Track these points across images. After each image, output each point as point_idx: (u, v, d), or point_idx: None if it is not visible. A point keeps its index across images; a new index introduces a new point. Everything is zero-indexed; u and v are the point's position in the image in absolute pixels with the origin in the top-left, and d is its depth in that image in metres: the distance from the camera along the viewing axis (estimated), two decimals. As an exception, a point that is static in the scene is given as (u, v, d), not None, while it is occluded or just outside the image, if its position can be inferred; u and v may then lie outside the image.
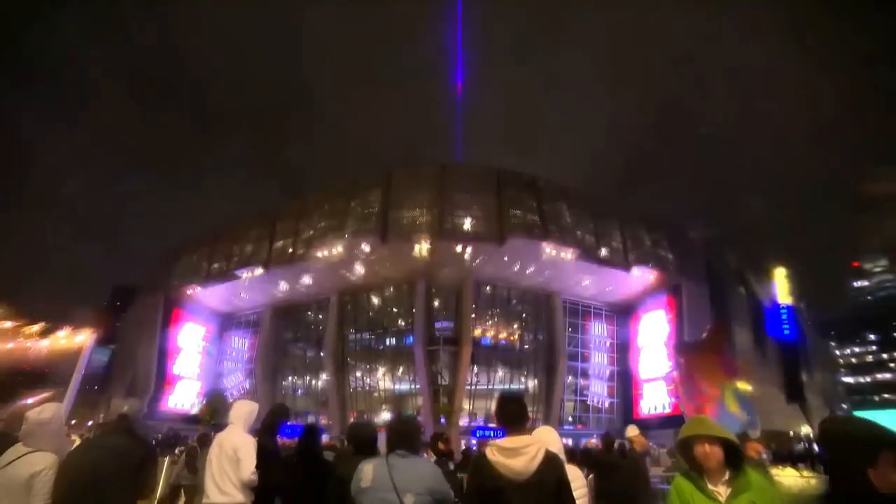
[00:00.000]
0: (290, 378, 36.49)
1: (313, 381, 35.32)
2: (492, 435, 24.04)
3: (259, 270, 32.40)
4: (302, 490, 3.52)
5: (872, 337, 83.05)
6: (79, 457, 2.85)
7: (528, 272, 30.36)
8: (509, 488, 2.06)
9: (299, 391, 35.65)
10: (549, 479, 2.09)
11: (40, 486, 2.63)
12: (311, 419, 32.46)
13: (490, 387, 31.40)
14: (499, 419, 2.32)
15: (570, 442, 24.24)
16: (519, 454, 2.11)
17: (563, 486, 2.14)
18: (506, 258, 29.04)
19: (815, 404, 38.74)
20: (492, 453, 2.18)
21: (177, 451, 12.90)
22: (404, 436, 2.56)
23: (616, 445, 6.10)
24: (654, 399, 31.81)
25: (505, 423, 2.28)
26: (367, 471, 2.54)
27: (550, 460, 2.15)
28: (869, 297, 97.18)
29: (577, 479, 3.18)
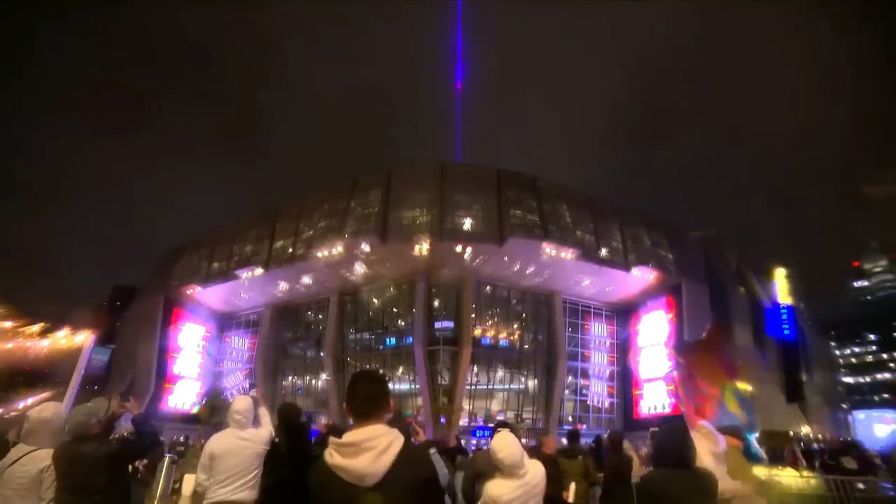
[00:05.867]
0: (290, 378, 36.50)
1: (313, 381, 35.32)
2: (490, 435, 24.03)
3: (259, 270, 32.40)
4: (290, 486, 3.55)
5: (872, 337, 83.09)
6: (58, 473, 2.89)
7: (528, 272, 30.35)
8: (350, 497, 1.58)
9: (299, 391, 35.65)
10: (405, 481, 1.60)
11: (51, 480, 2.83)
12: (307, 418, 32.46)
13: (490, 387, 31.41)
14: (348, 406, 1.80)
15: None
16: (361, 451, 1.62)
17: (427, 489, 1.67)
18: (506, 258, 29.03)
19: (815, 404, 38.73)
20: (329, 455, 1.68)
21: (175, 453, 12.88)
22: None
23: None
24: (654, 399, 31.81)
25: (353, 411, 1.76)
26: None
27: (410, 456, 1.66)
28: (869, 297, 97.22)
29: (537, 476, 3.09)
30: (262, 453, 3.54)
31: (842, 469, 8.74)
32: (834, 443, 25.15)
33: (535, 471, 3.04)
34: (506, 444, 2.89)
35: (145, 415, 3.44)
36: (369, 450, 1.62)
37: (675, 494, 2.52)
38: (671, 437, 2.76)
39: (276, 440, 3.74)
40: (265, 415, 3.83)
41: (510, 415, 30.60)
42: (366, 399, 1.77)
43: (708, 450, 3.26)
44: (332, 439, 1.72)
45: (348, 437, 1.68)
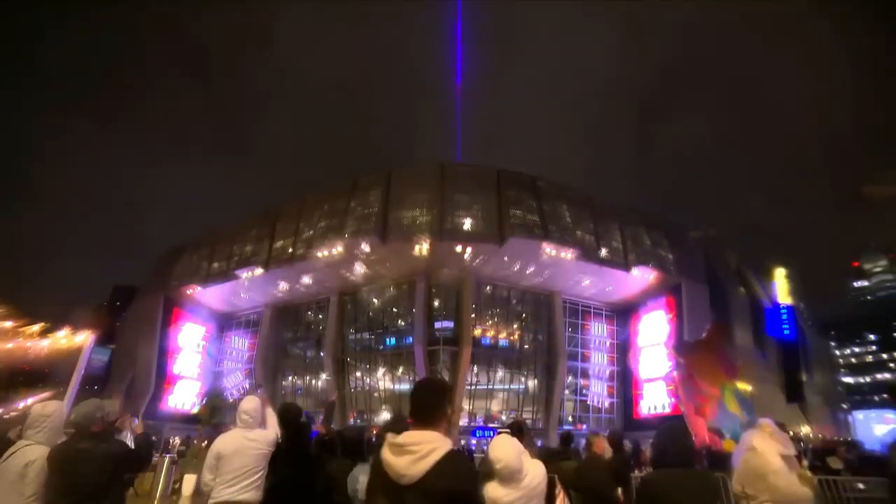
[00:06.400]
0: (290, 378, 36.49)
1: (313, 381, 35.31)
2: (491, 435, 24.03)
3: (259, 270, 32.41)
4: (290, 486, 3.56)
5: (872, 337, 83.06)
6: (55, 470, 2.88)
7: (528, 272, 30.36)
8: (392, 491, 1.77)
9: (299, 391, 35.65)
10: (436, 489, 1.70)
11: (33, 475, 2.80)
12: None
13: (490, 387, 31.40)
14: (410, 409, 1.97)
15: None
16: (404, 452, 1.78)
17: (462, 499, 1.75)
18: (506, 258, 29.03)
19: (815, 404, 38.74)
20: (384, 450, 1.88)
21: (176, 453, 12.91)
22: None
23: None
24: (654, 399, 31.81)
25: (410, 416, 1.95)
26: (364, 482, 2.54)
27: (448, 465, 1.75)
28: (869, 297, 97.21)
29: (538, 477, 3.06)
30: (268, 454, 3.54)
31: (826, 469, 8.68)
32: (817, 442, 24.99)
33: (536, 472, 3.03)
34: (504, 455, 2.73)
35: (146, 434, 3.46)
36: (411, 453, 1.76)
37: (674, 495, 2.47)
38: (670, 436, 2.71)
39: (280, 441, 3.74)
40: (272, 415, 3.81)
41: (510, 415, 30.59)
42: (420, 407, 1.92)
43: (776, 451, 2.99)
44: (388, 436, 1.90)
45: (400, 437, 1.85)
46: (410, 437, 1.82)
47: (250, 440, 3.50)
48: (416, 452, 1.76)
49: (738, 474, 3.13)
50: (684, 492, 2.47)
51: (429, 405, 1.93)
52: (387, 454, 1.83)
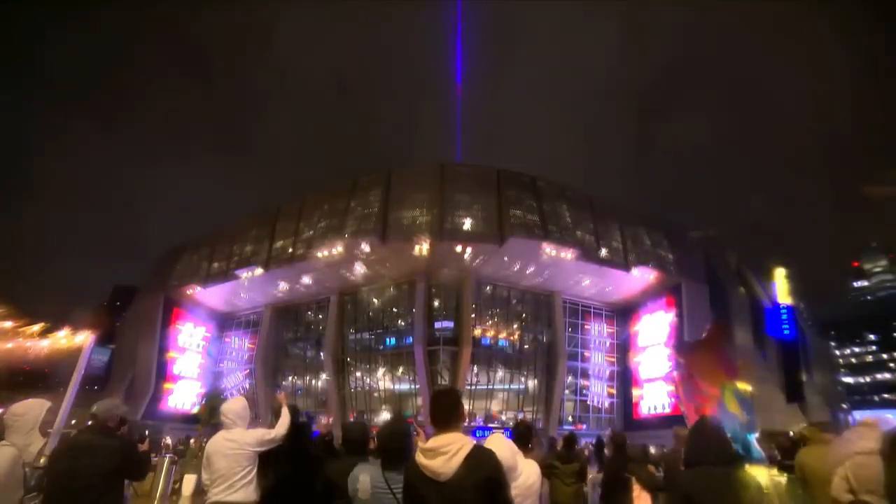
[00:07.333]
0: (290, 378, 36.49)
1: (313, 381, 35.32)
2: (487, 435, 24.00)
3: (259, 270, 32.42)
4: (290, 485, 3.56)
5: (872, 337, 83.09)
6: (58, 459, 2.94)
7: (528, 272, 30.37)
8: (431, 488, 2.04)
9: (299, 391, 35.65)
10: (469, 480, 2.00)
11: None
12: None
13: (490, 387, 31.40)
14: (430, 417, 2.25)
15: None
16: (437, 454, 2.06)
17: (491, 484, 2.03)
18: (506, 258, 29.04)
19: (815, 404, 38.68)
20: (418, 455, 2.15)
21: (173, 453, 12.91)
22: (396, 452, 2.58)
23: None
24: (654, 399, 31.81)
25: (433, 422, 2.22)
26: (365, 482, 2.57)
27: (475, 459, 2.05)
28: (869, 297, 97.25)
29: (532, 476, 3.07)
30: (251, 455, 3.50)
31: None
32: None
33: (531, 471, 3.06)
34: (498, 454, 2.83)
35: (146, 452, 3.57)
36: (443, 454, 2.05)
37: (713, 495, 2.43)
38: (705, 432, 2.68)
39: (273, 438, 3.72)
40: (286, 415, 3.80)
41: (510, 415, 30.62)
42: (441, 412, 2.21)
43: None
44: (419, 444, 2.25)
45: (430, 443, 2.13)
46: (439, 440, 2.10)
47: (228, 441, 3.49)
48: (448, 452, 2.05)
49: (854, 477, 2.90)
50: (723, 492, 2.42)
51: (449, 411, 2.23)
52: (422, 459, 2.10)
